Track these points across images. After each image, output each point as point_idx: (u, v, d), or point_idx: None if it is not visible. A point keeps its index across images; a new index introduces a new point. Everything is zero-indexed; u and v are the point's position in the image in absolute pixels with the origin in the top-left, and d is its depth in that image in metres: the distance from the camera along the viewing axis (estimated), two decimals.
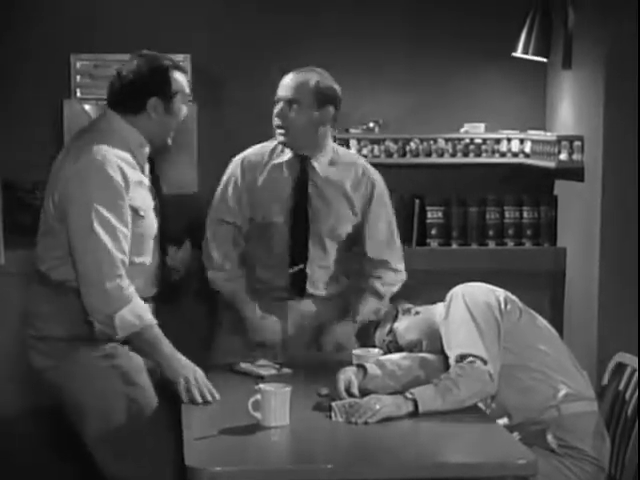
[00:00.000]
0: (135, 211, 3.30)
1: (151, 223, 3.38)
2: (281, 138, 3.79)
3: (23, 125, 5.23)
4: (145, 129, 3.34)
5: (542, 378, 3.31)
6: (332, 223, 3.83)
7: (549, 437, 3.26)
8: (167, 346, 3.26)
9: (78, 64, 5.26)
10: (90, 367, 3.29)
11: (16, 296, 4.60)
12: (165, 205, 3.48)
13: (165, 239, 3.46)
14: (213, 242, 3.85)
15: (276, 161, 3.85)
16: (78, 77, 5.27)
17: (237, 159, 3.93)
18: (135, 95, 3.32)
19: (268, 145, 3.92)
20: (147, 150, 3.39)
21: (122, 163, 3.25)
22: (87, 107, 5.26)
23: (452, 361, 3.27)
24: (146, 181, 3.38)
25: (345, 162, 3.89)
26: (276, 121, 3.79)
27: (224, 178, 3.90)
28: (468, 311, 3.30)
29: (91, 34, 5.19)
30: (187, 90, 3.40)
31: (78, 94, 5.28)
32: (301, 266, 3.79)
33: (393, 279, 3.94)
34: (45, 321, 3.31)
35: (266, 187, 3.83)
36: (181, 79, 3.37)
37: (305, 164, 3.82)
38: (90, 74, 5.28)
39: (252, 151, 3.94)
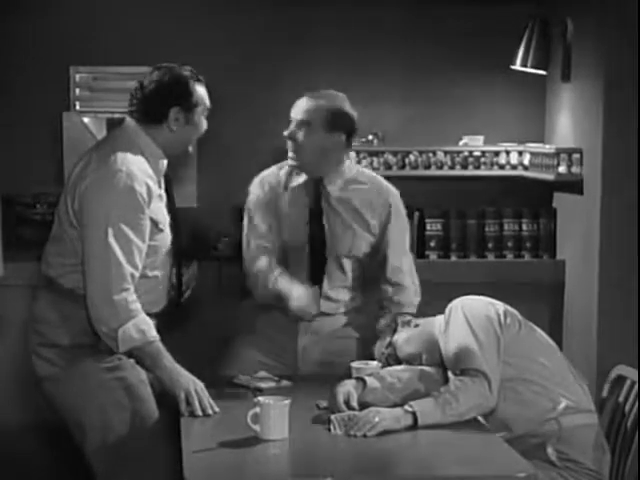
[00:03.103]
0: (155, 224, 3.28)
1: (167, 237, 3.38)
2: (291, 162, 3.78)
3: (22, 138, 5.24)
4: (164, 140, 3.32)
5: (541, 391, 3.30)
6: (349, 244, 3.81)
7: (549, 450, 3.25)
8: (168, 360, 3.25)
9: (77, 77, 5.27)
10: (94, 378, 3.27)
11: (15, 307, 4.61)
12: (177, 219, 3.49)
13: (176, 254, 3.46)
14: (253, 265, 3.81)
15: (294, 184, 3.83)
16: (77, 90, 5.28)
17: (256, 181, 3.90)
18: (157, 105, 3.31)
19: (280, 168, 3.90)
20: (164, 163, 3.37)
21: (146, 176, 3.24)
22: (86, 120, 5.27)
23: (451, 374, 3.27)
24: (163, 194, 3.38)
25: (360, 182, 3.86)
26: (289, 144, 3.78)
27: (249, 204, 3.86)
28: (468, 324, 3.30)
29: (90, 47, 5.20)
30: (208, 103, 3.38)
31: (77, 107, 5.29)
32: (316, 287, 3.76)
33: (405, 298, 3.89)
34: (52, 328, 3.29)
35: (288, 210, 3.82)
36: (202, 91, 3.35)
37: (319, 187, 3.80)
38: (89, 87, 5.29)
39: (267, 174, 3.92)
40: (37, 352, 3.32)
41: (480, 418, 3.23)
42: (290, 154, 3.77)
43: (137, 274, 3.21)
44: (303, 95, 3.79)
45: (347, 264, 3.82)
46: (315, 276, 3.79)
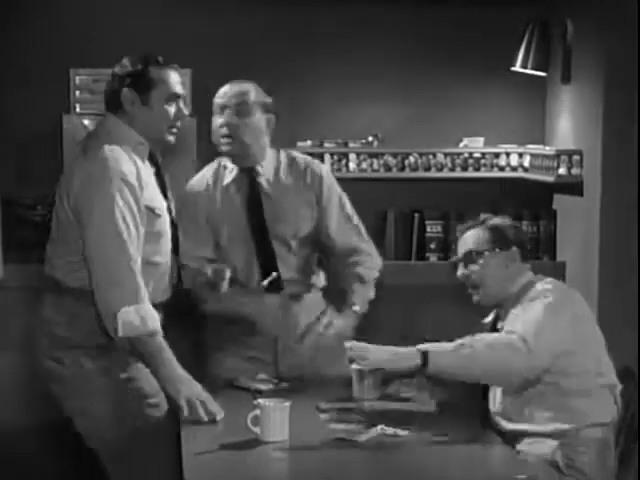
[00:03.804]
0: (152, 210, 3.29)
1: (166, 222, 3.38)
2: (227, 148, 3.76)
3: (22, 140, 5.24)
4: (135, 125, 3.33)
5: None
6: (293, 225, 3.81)
7: (559, 453, 3.22)
8: (170, 361, 3.20)
9: (77, 79, 5.27)
10: (103, 380, 3.27)
11: (15, 310, 4.61)
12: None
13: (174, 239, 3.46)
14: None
15: (224, 183, 3.82)
16: (77, 92, 5.28)
17: (185, 192, 3.86)
18: (112, 90, 3.35)
19: (206, 172, 3.89)
20: (146, 149, 3.37)
21: (131, 164, 3.25)
22: (86, 122, 5.27)
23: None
24: (153, 180, 3.38)
25: (287, 162, 3.87)
26: (223, 131, 3.74)
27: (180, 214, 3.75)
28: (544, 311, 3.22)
29: (90, 49, 5.20)
30: (173, 87, 3.34)
31: (77, 109, 5.28)
32: (274, 275, 3.75)
33: (371, 263, 3.90)
34: (61, 328, 3.28)
35: (222, 211, 3.81)
36: (163, 74, 3.33)
37: (252, 176, 3.80)
38: (89, 89, 5.29)
39: (194, 182, 3.89)
40: (47, 354, 3.31)
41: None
42: (225, 141, 3.74)
43: (139, 259, 3.20)
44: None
45: (295, 245, 3.82)
46: (267, 265, 3.78)
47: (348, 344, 3.35)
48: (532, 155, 5.21)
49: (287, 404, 3.00)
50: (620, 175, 4.71)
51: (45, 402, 3.45)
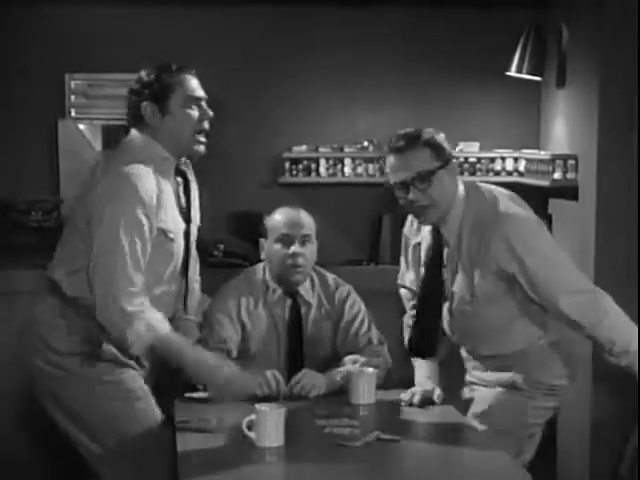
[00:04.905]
0: (164, 233, 3.26)
1: (178, 248, 3.34)
2: (298, 277, 3.77)
3: (17, 145, 5.23)
4: (161, 138, 3.29)
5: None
6: (327, 349, 3.82)
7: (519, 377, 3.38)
8: (190, 352, 3.20)
9: (72, 84, 5.26)
10: (94, 387, 3.27)
11: (10, 315, 4.60)
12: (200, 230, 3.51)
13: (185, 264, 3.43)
14: None
15: (267, 300, 3.82)
16: (73, 97, 5.27)
17: (232, 290, 3.85)
18: (132, 105, 3.32)
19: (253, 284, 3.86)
20: (171, 165, 3.34)
21: (154, 183, 3.21)
22: (82, 127, 5.27)
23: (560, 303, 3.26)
24: (174, 202, 3.35)
25: (319, 282, 3.89)
26: (299, 260, 3.75)
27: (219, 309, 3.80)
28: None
29: (85, 54, 5.20)
30: (190, 91, 3.31)
31: (73, 114, 5.28)
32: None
33: (379, 363, 3.81)
34: (55, 333, 3.28)
35: (261, 323, 3.82)
36: (178, 79, 3.29)
37: (295, 299, 3.81)
38: (85, 94, 5.28)
39: (245, 280, 3.88)
40: (40, 356, 3.29)
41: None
42: (299, 270, 3.76)
43: (142, 276, 3.18)
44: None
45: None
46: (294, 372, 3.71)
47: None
48: (527, 160, 5.21)
49: (283, 409, 2.99)
50: (615, 179, 4.71)
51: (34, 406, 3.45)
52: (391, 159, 3.32)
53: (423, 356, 3.53)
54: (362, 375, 3.46)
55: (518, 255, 3.20)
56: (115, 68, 5.21)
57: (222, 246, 5.14)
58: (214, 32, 5.28)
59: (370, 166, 5.29)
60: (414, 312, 3.58)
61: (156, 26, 5.25)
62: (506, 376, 3.41)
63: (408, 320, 3.66)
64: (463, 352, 3.56)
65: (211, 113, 3.35)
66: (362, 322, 3.85)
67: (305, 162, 5.29)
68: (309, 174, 5.30)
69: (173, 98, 3.28)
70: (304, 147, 5.31)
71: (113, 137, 5.06)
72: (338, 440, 3.03)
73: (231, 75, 5.28)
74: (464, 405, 3.50)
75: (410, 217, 3.56)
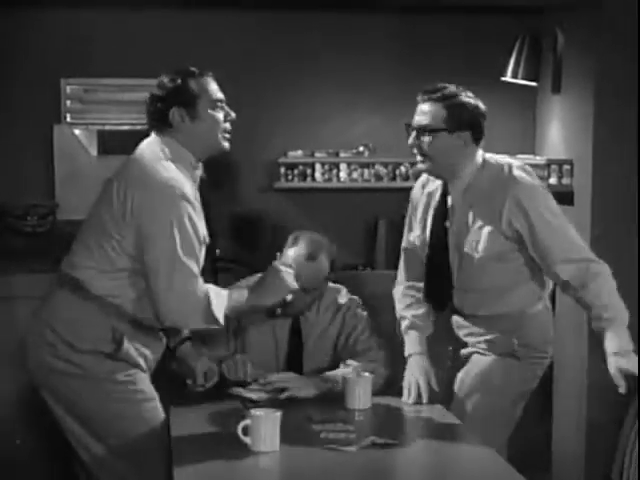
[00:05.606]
0: (204, 237, 3.32)
1: (203, 254, 3.36)
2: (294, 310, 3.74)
3: (13, 150, 5.23)
4: (186, 143, 3.32)
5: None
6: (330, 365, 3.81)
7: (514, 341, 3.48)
8: (250, 294, 3.34)
9: (68, 89, 5.26)
10: (109, 387, 3.26)
11: (6, 320, 4.59)
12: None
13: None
14: None
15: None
16: (68, 102, 5.27)
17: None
18: (159, 111, 3.32)
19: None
20: (199, 172, 3.38)
21: (190, 185, 3.26)
22: (77, 132, 5.27)
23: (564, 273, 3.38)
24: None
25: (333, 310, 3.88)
26: (307, 299, 3.75)
27: None
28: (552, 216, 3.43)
29: (81, 59, 5.20)
30: (215, 94, 3.35)
31: (68, 119, 5.28)
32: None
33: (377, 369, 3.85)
34: (71, 328, 3.25)
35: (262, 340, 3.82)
36: (202, 83, 3.33)
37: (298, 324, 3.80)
38: (80, 99, 5.28)
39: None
40: (50, 351, 3.27)
41: None
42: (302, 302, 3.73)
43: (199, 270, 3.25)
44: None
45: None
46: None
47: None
48: None
49: (278, 414, 2.99)
50: (611, 184, 4.72)
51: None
52: (419, 100, 3.48)
53: (441, 306, 3.62)
54: (358, 380, 3.46)
55: (527, 212, 3.36)
56: (111, 73, 5.22)
57: (217, 251, 5.15)
58: (210, 38, 5.28)
59: (366, 171, 5.29)
60: (408, 302, 3.70)
61: (152, 32, 5.25)
62: (500, 339, 3.50)
63: (402, 312, 3.74)
64: (457, 319, 3.60)
65: (233, 114, 3.41)
66: (363, 331, 3.83)
67: (301, 167, 5.30)
68: (305, 179, 5.30)
69: (200, 102, 3.32)
70: (300, 152, 5.31)
71: (118, 143, 5.09)
72: (333, 445, 3.03)
73: (227, 81, 5.27)
74: (453, 371, 3.61)
75: (420, 182, 3.72)
